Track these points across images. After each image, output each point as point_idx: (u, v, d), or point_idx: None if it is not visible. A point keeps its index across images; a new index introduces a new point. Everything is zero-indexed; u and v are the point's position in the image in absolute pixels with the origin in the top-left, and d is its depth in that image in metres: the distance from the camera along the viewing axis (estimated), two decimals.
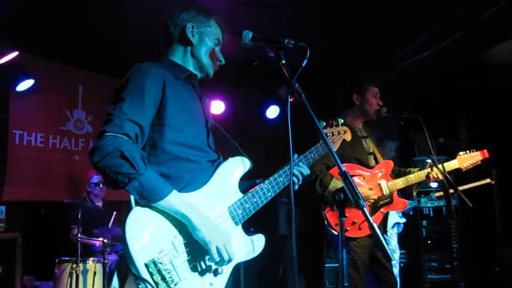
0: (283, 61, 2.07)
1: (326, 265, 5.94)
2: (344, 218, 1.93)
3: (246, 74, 6.45)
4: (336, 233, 3.60)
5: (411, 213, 6.04)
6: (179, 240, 1.95)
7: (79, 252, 4.69)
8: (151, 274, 1.82)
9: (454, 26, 5.25)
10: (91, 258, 4.82)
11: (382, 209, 3.71)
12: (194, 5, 2.40)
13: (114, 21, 5.14)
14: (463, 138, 7.05)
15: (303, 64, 2.00)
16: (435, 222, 6.44)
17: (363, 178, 3.72)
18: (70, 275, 4.66)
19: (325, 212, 3.63)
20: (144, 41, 5.46)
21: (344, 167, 3.58)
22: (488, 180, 4.69)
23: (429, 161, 4.15)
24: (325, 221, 3.65)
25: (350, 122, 3.92)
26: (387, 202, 3.73)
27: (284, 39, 2.08)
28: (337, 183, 3.57)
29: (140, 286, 1.80)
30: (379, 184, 3.72)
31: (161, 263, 1.84)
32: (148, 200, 1.88)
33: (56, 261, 4.80)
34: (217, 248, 1.95)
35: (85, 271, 4.71)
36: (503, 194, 5.14)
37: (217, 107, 6.92)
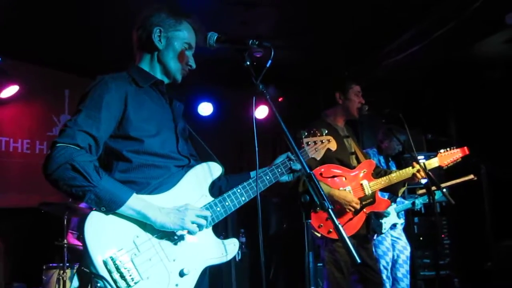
0: (248, 62, 2.05)
1: (319, 264, 5.92)
2: (309, 221, 1.90)
3: (233, 75, 6.43)
4: (318, 234, 3.57)
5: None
6: (142, 239, 1.93)
7: (66, 258, 4.64)
8: (109, 272, 1.81)
9: (442, 20, 5.22)
10: (78, 264, 4.79)
11: (364, 210, 3.67)
12: (165, 7, 2.33)
13: (99, 24, 5.10)
14: (452, 134, 7.03)
15: (268, 65, 1.98)
16: (426, 219, 6.41)
17: (345, 179, 3.69)
18: (58, 281, 4.60)
19: None
20: (131, 44, 5.47)
21: (326, 167, 3.64)
22: (471, 176, 4.66)
23: (420, 157, 4.13)
24: None
25: (333, 121, 3.90)
26: (369, 202, 3.69)
27: (249, 40, 2.05)
28: (320, 185, 3.53)
29: (98, 284, 1.80)
30: (361, 184, 3.70)
31: (120, 261, 1.83)
32: (107, 209, 1.88)
33: (44, 267, 4.76)
34: (192, 221, 1.99)
35: (72, 277, 4.67)
36: (492, 190, 5.14)
37: (206, 108, 6.91)
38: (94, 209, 1.89)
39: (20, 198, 5.72)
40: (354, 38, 5.72)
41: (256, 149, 2.02)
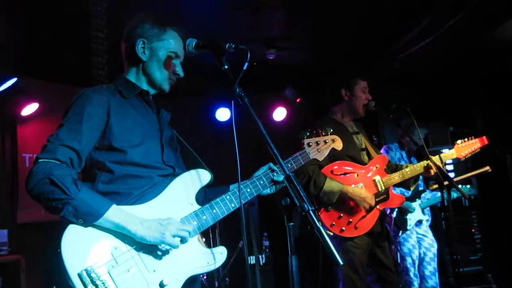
0: (226, 66, 2.03)
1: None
2: (292, 224, 1.86)
3: (250, 79, 6.40)
4: (331, 233, 3.50)
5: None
6: (120, 251, 1.93)
7: None
8: (84, 285, 1.81)
9: (454, 8, 5.05)
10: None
11: (378, 206, 3.58)
12: (150, 16, 2.32)
13: (115, 40, 5.15)
14: (478, 125, 6.79)
15: (245, 67, 1.96)
16: (455, 214, 6.18)
17: (357, 175, 3.61)
18: None
19: (319, 213, 3.53)
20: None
21: (337, 164, 3.57)
22: (486, 168, 4.47)
23: (445, 151, 4.01)
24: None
25: (340, 119, 3.83)
26: (383, 198, 3.59)
27: (226, 44, 2.04)
28: (331, 183, 3.47)
29: None
30: (374, 180, 3.60)
31: (96, 273, 1.83)
32: (85, 221, 1.89)
33: None
34: (173, 235, 1.96)
35: None
36: None
37: (224, 114, 6.93)
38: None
39: (44, 212, 5.81)
40: (367, 33, 5.58)
41: (237, 156, 2.00)
